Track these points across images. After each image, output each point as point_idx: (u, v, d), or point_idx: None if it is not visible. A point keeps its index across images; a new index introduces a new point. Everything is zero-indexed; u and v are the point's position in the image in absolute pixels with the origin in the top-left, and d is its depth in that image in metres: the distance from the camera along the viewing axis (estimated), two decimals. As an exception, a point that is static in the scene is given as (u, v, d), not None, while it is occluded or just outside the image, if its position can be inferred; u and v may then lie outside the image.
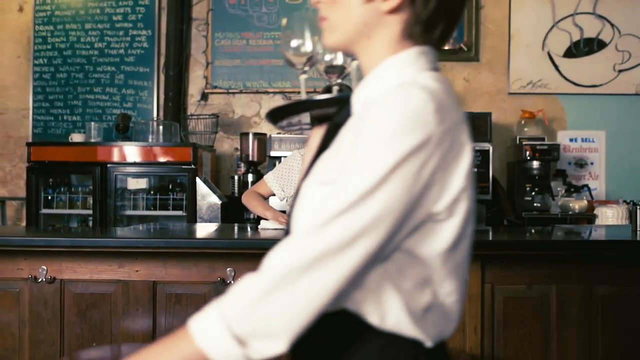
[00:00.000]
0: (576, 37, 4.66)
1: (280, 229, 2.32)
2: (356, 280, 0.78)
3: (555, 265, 2.01)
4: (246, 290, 0.76)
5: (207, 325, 0.77)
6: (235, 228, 2.59)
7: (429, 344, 0.82)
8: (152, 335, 2.01)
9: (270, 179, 2.57)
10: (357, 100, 0.91)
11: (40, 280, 2.01)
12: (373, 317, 0.81)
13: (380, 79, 0.88)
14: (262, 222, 2.54)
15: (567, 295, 1.99)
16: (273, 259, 0.77)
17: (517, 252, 2.04)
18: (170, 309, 1.99)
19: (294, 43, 1.20)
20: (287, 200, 2.57)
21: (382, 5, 0.85)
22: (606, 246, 2.14)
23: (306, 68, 1.25)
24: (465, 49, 4.67)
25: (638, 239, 2.19)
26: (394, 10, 0.86)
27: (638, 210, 2.33)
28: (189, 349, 0.77)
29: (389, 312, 0.80)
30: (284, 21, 1.15)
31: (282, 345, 0.75)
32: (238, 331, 0.75)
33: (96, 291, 2.03)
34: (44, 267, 2.02)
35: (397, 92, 0.78)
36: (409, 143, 0.74)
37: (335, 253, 0.74)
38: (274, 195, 2.62)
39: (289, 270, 0.75)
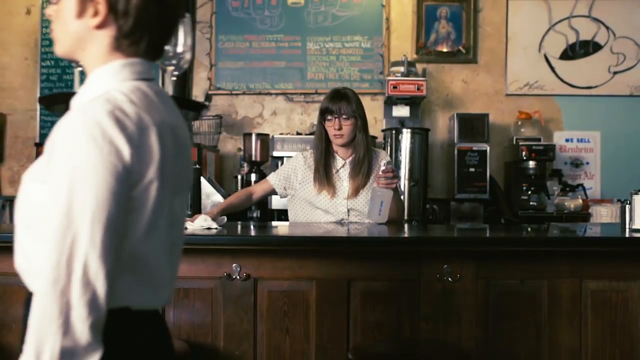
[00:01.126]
0: (572, 39, 4.72)
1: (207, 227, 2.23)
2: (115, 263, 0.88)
3: (546, 261, 2.05)
4: (44, 343, 0.83)
5: None
6: (239, 226, 2.64)
7: (135, 308, 0.96)
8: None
9: (274, 179, 2.67)
10: (72, 104, 1.01)
11: (54, 275, 2.08)
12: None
13: (87, 88, 1.00)
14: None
15: (558, 290, 2.04)
16: (39, 303, 0.84)
17: (510, 248, 2.08)
18: (179, 303, 2.04)
19: None
20: (290, 197, 2.68)
21: (90, 21, 0.98)
22: (595, 243, 2.18)
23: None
24: (464, 51, 4.73)
25: (627, 235, 2.21)
26: (101, 26, 0.98)
27: (627, 208, 2.34)
28: None
29: (101, 289, 0.88)
30: None
31: (98, 352, 0.85)
32: None
33: (108, 286, 2.09)
34: (58, 262, 2.09)
35: (85, 108, 0.89)
36: (91, 153, 0.86)
37: (73, 259, 0.84)
38: (271, 193, 2.71)
39: (60, 301, 0.83)
